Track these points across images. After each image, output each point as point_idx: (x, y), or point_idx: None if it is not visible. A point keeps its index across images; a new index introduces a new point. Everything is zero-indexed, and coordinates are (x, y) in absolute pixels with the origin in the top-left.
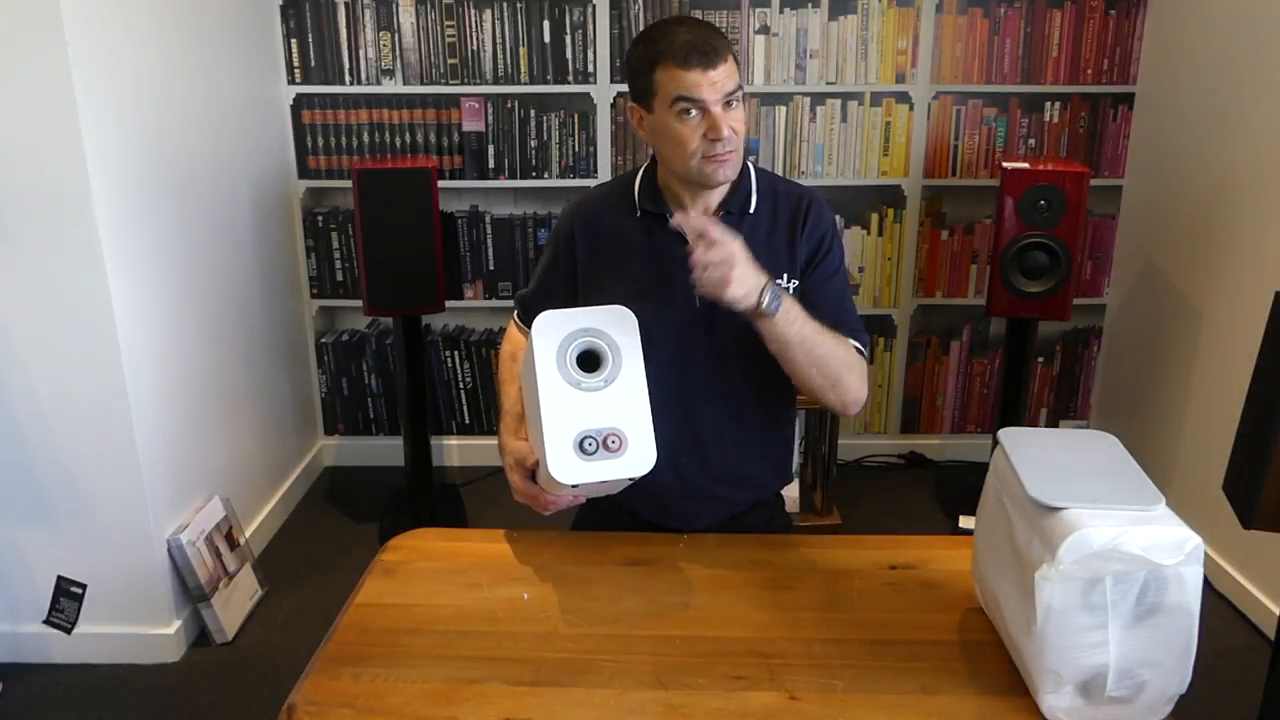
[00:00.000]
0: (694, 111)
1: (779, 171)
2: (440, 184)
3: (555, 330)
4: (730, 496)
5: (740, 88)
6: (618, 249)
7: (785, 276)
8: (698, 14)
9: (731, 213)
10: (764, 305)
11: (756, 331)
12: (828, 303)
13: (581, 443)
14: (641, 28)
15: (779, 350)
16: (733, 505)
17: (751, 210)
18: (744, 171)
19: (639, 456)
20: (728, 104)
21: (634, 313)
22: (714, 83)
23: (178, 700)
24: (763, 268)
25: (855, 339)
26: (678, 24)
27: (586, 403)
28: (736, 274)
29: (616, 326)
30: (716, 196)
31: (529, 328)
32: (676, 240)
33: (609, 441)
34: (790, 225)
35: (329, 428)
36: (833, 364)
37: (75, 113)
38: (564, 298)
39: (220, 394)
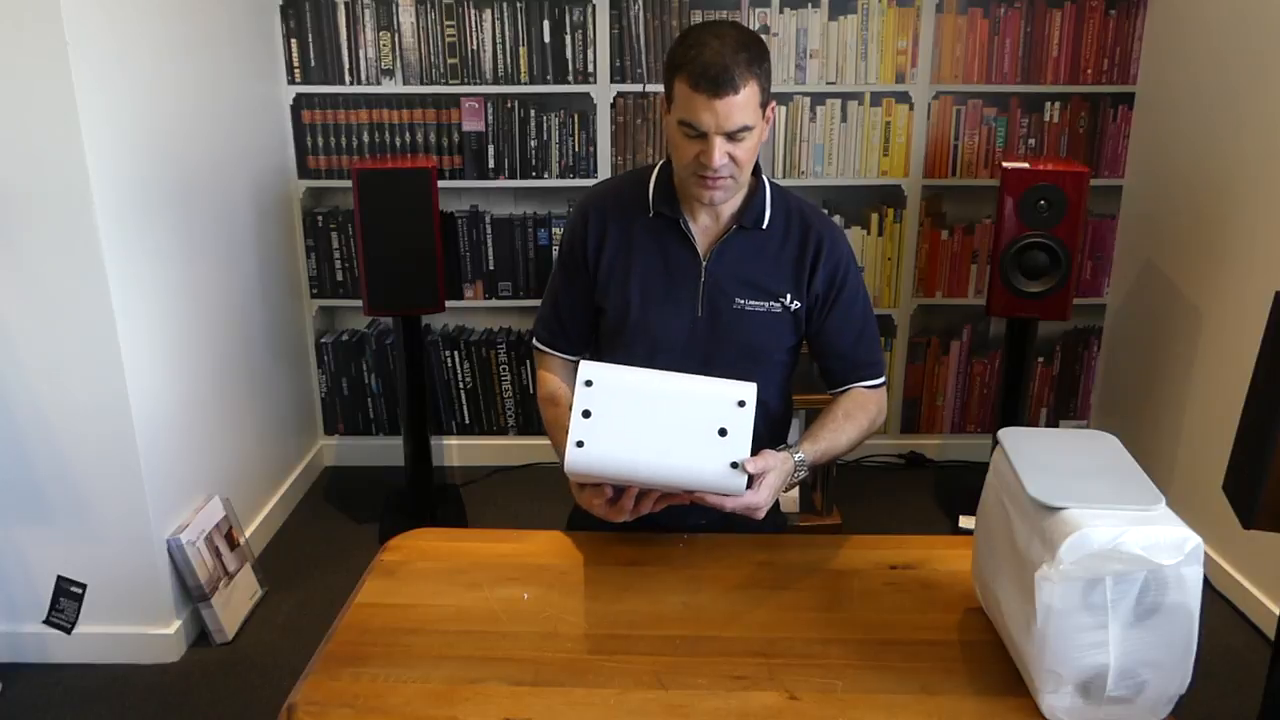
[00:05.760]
0: (694, 133)
1: (779, 173)
2: (440, 184)
3: None
4: None
5: (753, 125)
6: (626, 248)
7: (789, 297)
8: (698, 15)
9: (745, 227)
10: (798, 479)
11: (759, 338)
12: (848, 334)
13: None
14: (642, 28)
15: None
16: None
17: (765, 226)
18: (759, 186)
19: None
20: (733, 135)
21: (640, 316)
22: (716, 114)
23: (178, 700)
24: (776, 286)
25: (872, 371)
26: (712, 36)
27: None
28: (769, 500)
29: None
30: (729, 207)
31: (552, 352)
32: (685, 245)
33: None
34: (800, 249)
35: (329, 428)
36: (858, 438)
37: (75, 113)
38: (582, 311)
39: (220, 394)
